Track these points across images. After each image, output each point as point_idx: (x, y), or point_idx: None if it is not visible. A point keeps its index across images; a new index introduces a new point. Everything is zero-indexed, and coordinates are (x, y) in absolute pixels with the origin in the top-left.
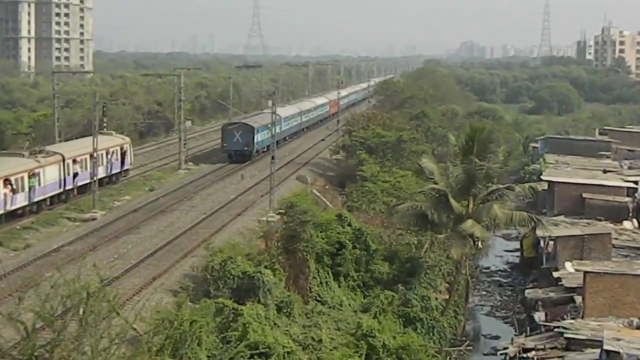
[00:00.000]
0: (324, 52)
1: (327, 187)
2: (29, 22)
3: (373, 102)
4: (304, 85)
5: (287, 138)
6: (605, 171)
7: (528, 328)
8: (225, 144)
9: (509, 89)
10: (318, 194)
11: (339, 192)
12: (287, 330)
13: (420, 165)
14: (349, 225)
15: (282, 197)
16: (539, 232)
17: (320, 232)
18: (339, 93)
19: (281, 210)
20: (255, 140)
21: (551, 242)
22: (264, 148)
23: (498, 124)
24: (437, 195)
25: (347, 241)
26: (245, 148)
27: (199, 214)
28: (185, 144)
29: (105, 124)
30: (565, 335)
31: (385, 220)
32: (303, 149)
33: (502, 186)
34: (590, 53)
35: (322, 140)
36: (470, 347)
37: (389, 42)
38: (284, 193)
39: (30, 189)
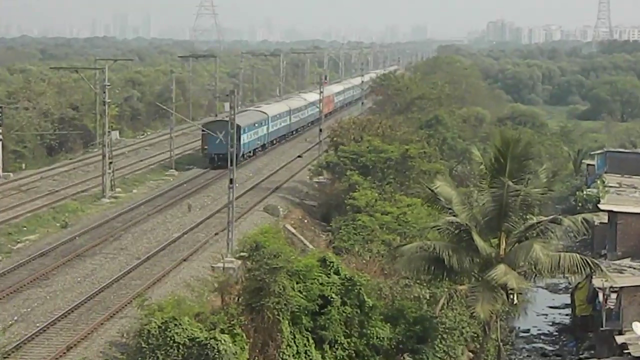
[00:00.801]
0: (300, 37)
1: (305, 220)
2: None
3: (368, 104)
4: (274, 81)
5: (275, 142)
6: None
7: None
8: (206, 147)
9: (554, 85)
10: (293, 230)
11: (323, 227)
12: None
13: (433, 191)
14: (337, 273)
15: (245, 235)
16: (596, 282)
17: (297, 283)
18: (321, 92)
19: (243, 254)
20: (242, 142)
21: (613, 295)
22: (250, 151)
23: (539, 133)
24: (456, 232)
25: (333, 295)
26: (230, 150)
27: (131, 259)
28: (111, 162)
29: None
30: None
31: (386, 266)
32: (273, 167)
33: (546, 219)
34: None
35: (299, 156)
36: None
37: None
38: (248, 229)
39: None
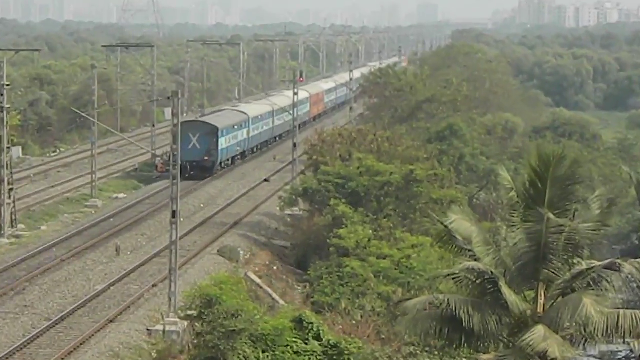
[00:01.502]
0: (268, 19)
1: (275, 267)
2: None
3: (359, 109)
4: (232, 79)
5: (256, 149)
6: None
7: None
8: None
9: (609, 83)
10: (258, 280)
11: (298, 276)
12: None
13: (446, 227)
14: (317, 338)
15: (193, 287)
16: None
17: (264, 351)
18: (294, 93)
19: (191, 312)
20: (220, 147)
21: None
22: (229, 159)
23: (590, 148)
24: (478, 282)
25: None
26: (206, 158)
27: (38, 321)
28: (11, 189)
29: None
30: None
31: (383, 328)
32: (231, 194)
33: (600, 264)
34: None
35: (266, 180)
36: None
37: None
38: (197, 279)
39: None
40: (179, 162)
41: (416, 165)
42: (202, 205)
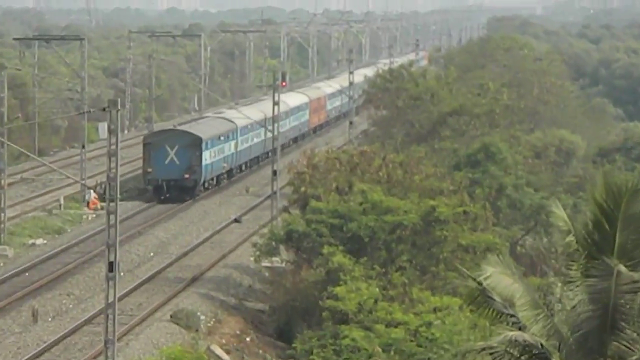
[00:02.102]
0: (236, 3)
1: (247, 338)
2: None
3: (361, 123)
4: (190, 83)
5: (245, 167)
6: None
7: None
8: (149, 169)
9: None
10: (225, 356)
11: (279, 350)
12: None
13: (480, 284)
14: None
15: None
16: None
17: None
18: (275, 101)
19: None
20: (204, 162)
21: None
22: (213, 178)
23: None
24: (523, 359)
25: None
26: (187, 176)
27: None
28: None
29: None
30: None
31: None
32: (188, 239)
33: None
34: None
35: (236, 220)
36: None
37: None
38: (142, 354)
39: None
40: (118, 194)
41: (439, 201)
42: (150, 254)
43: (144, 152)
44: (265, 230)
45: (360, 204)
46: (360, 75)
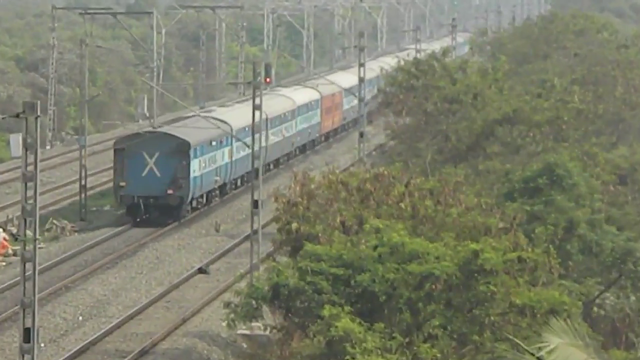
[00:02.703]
0: None
1: None
2: None
3: (376, 134)
4: (136, 77)
5: (241, 181)
6: None
7: None
8: (122, 183)
9: None
10: None
11: None
12: None
13: None
14: None
15: None
16: None
17: None
18: (256, 110)
19: None
20: (192, 174)
21: None
22: (202, 195)
23: None
24: None
25: None
26: (170, 191)
27: None
28: None
29: None
30: None
31: None
32: (135, 297)
33: None
34: None
35: (202, 270)
36: None
37: None
38: None
39: None
40: (37, 233)
41: (484, 243)
42: (79, 317)
43: (114, 160)
44: (242, 284)
45: (375, 247)
46: (375, 68)
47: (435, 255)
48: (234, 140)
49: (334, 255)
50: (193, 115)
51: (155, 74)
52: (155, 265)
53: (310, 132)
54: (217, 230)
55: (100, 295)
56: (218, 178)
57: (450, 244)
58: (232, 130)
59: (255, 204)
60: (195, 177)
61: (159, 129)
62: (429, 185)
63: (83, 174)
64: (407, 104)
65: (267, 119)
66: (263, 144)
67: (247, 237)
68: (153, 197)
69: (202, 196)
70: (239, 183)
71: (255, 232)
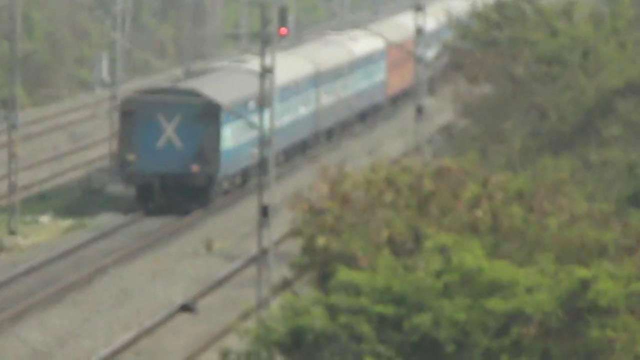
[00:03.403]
0: None
1: None
2: None
3: (440, 111)
4: (85, 32)
5: (284, 156)
6: None
7: None
8: (131, 157)
9: None
10: None
11: None
12: None
13: None
14: None
15: None
16: None
17: None
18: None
19: None
20: (223, 145)
21: None
22: (236, 173)
23: None
24: None
25: None
26: (195, 168)
27: None
28: None
29: None
30: None
31: None
32: (89, 347)
33: None
34: None
35: (186, 308)
36: None
37: None
38: None
39: None
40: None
41: (598, 269)
42: None
43: (120, 128)
44: (247, 326)
45: (439, 274)
46: (436, 14)
47: (526, 285)
48: (278, 99)
49: (379, 286)
50: (223, 68)
51: (119, 22)
52: (119, 301)
53: (372, 93)
54: (209, 249)
55: (40, 344)
56: (257, 151)
57: (548, 270)
58: (277, 89)
59: (264, 210)
60: (227, 150)
61: (179, 86)
62: (517, 185)
63: (13, 167)
64: (486, 66)
65: (318, 73)
66: (312, 106)
67: (252, 259)
68: (172, 176)
69: (235, 175)
70: (281, 158)
71: (264, 251)
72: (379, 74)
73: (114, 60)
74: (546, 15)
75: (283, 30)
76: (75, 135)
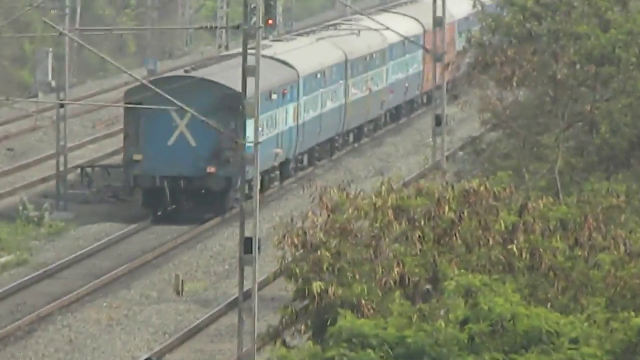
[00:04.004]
0: None
1: None
2: None
3: (466, 118)
4: (30, 29)
5: (309, 157)
6: None
7: None
8: (138, 156)
9: None
10: None
11: None
12: None
13: None
14: None
15: None
16: None
17: None
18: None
19: None
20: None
21: None
22: (260, 175)
23: None
24: None
25: None
26: (211, 169)
27: None
28: None
29: None
30: None
31: None
32: None
33: None
34: None
35: None
36: None
37: None
38: None
39: None
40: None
41: None
42: None
43: (125, 122)
44: None
45: (464, 323)
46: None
47: (571, 337)
48: (301, 92)
49: (391, 338)
50: (232, 52)
51: (67, 13)
52: (66, 356)
53: (407, 86)
54: (179, 293)
55: None
56: (279, 150)
57: (599, 318)
58: (298, 76)
59: (247, 244)
60: (248, 147)
61: (193, 74)
62: (560, 212)
63: None
64: (521, 66)
65: (347, 61)
66: (342, 97)
67: (232, 305)
68: (185, 178)
69: (260, 179)
70: (305, 160)
71: (246, 295)
72: (415, 65)
73: (60, 59)
74: (596, 4)
75: (270, 21)
76: (14, 151)
